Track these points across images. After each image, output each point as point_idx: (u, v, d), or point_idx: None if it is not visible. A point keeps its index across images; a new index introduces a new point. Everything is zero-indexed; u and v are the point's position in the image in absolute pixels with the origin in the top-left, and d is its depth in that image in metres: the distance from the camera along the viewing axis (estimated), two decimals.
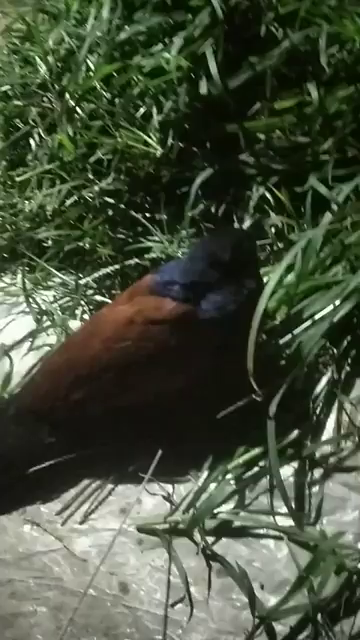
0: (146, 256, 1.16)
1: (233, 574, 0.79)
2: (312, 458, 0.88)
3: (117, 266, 1.18)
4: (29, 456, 0.91)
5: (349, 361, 0.95)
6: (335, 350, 0.95)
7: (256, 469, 0.88)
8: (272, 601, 0.77)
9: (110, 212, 1.19)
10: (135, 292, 0.95)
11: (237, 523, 0.84)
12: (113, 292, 1.19)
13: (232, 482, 0.87)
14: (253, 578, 0.79)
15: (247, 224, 1.11)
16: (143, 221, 1.16)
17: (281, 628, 0.74)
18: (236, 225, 1.11)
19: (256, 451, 0.88)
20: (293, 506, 0.82)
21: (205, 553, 0.83)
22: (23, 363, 1.14)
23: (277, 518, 0.83)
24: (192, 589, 0.80)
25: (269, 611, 0.74)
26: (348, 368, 0.95)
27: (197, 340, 0.89)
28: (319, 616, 0.73)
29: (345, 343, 0.95)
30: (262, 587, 0.79)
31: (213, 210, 1.13)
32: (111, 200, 1.19)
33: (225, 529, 0.84)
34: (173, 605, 0.79)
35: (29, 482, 0.91)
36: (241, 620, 0.77)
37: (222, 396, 0.86)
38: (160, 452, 0.88)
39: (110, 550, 0.84)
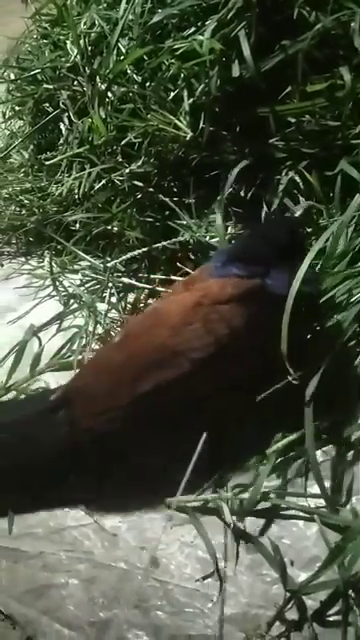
0: (174, 239, 1.16)
1: (263, 550, 0.80)
2: (347, 441, 0.87)
3: (145, 249, 1.19)
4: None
5: None
6: None
7: (292, 453, 0.88)
8: (302, 577, 0.78)
9: (139, 195, 1.20)
10: (191, 282, 0.94)
11: (268, 503, 0.84)
12: (140, 275, 1.20)
13: (264, 463, 0.88)
14: (283, 554, 0.79)
15: (299, 212, 1.10)
16: (171, 204, 1.17)
17: (311, 603, 0.75)
18: (265, 209, 1.10)
19: (293, 436, 0.87)
20: (326, 486, 0.82)
21: (234, 530, 0.84)
22: (51, 344, 1.15)
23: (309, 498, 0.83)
24: (222, 564, 0.81)
25: (300, 586, 0.75)
26: None
27: (266, 316, 0.87)
28: (350, 591, 0.73)
29: None
30: (292, 563, 0.79)
31: (242, 194, 1.13)
32: (140, 183, 1.20)
33: (256, 508, 0.85)
34: (204, 579, 0.80)
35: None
36: (271, 594, 0.77)
37: (264, 379, 0.86)
38: (204, 436, 0.85)
39: (141, 526, 0.85)
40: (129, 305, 1.19)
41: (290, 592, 0.75)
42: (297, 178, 1.10)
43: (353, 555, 0.74)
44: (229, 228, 1.13)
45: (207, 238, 1.14)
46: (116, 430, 0.87)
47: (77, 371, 1.02)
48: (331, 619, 0.73)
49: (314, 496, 0.83)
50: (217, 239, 1.13)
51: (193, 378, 0.86)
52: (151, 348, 0.87)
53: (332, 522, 0.80)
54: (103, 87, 1.22)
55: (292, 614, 0.75)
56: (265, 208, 1.11)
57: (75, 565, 0.86)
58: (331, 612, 0.74)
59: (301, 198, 1.09)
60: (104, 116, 1.21)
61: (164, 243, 1.17)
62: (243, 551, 0.82)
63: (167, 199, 1.16)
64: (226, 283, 0.89)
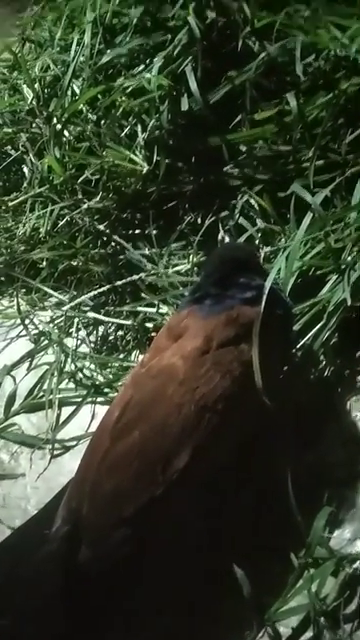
0: (135, 276, 1.16)
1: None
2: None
3: (109, 286, 1.19)
4: None
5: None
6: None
7: None
8: (274, 604, 0.77)
9: (100, 230, 1.21)
10: (176, 331, 0.84)
11: None
12: (107, 308, 1.21)
13: None
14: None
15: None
16: (120, 241, 1.16)
17: (283, 630, 0.74)
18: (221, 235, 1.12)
19: None
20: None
21: None
22: (23, 383, 1.16)
23: None
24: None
25: (269, 613, 0.74)
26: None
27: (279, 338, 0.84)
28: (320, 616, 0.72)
29: None
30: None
31: (199, 222, 1.15)
32: (98, 224, 1.21)
33: None
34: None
35: None
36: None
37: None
38: None
39: None
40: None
41: (260, 620, 0.74)
42: (252, 201, 1.12)
43: (320, 580, 0.73)
44: (191, 256, 1.15)
45: (170, 269, 1.15)
46: (157, 530, 0.72)
47: (75, 478, 0.81)
48: None
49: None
50: (179, 268, 1.14)
51: (230, 428, 0.77)
52: (172, 415, 0.75)
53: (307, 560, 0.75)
54: (59, 127, 1.24)
55: None
56: (222, 233, 1.12)
57: None
58: (303, 638, 0.73)
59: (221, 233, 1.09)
60: (60, 156, 1.23)
61: (128, 280, 1.17)
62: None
63: (125, 232, 1.17)
64: (232, 317, 0.81)
